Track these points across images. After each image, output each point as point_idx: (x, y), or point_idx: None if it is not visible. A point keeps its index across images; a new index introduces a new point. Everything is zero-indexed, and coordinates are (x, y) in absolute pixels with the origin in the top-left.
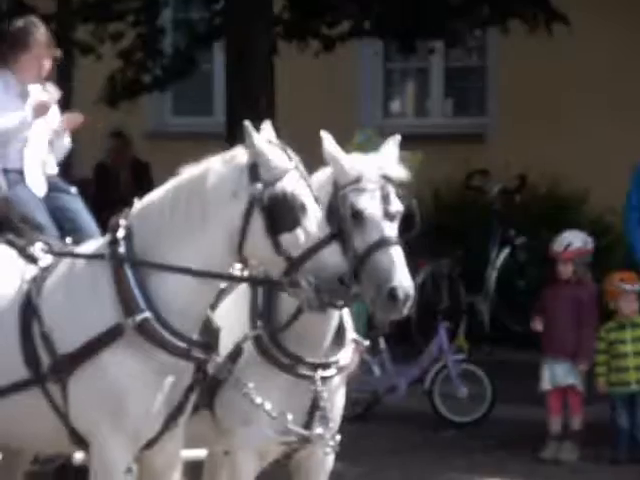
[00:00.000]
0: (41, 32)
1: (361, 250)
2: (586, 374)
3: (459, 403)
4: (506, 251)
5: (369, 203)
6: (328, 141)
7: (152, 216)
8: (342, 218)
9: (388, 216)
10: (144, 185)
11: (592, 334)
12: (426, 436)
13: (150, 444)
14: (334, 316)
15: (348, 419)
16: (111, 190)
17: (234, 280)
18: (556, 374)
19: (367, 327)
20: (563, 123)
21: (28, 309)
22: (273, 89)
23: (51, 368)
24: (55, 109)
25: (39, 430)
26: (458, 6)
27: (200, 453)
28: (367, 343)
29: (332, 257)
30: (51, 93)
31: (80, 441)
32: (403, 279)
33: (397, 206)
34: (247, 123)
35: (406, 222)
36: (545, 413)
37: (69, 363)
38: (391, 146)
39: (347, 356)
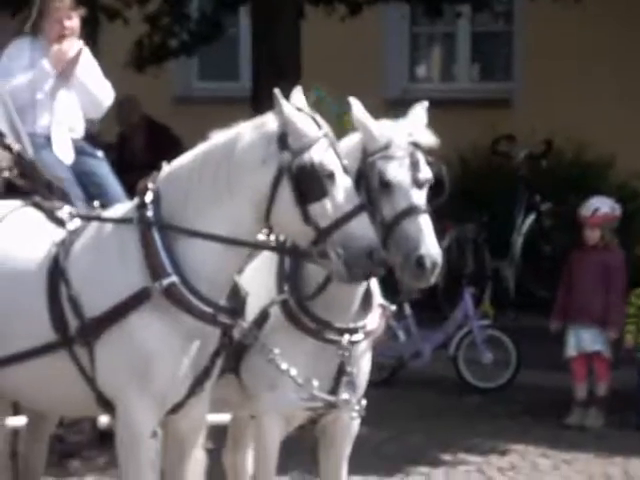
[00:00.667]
0: None
1: (389, 218)
2: (612, 340)
3: (484, 369)
4: (532, 217)
5: (397, 171)
6: (357, 107)
7: (180, 180)
8: (370, 185)
9: (417, 184)
10: (163, 148)
11: (620, 301)
12: (451, 401)
13: (176, 408)
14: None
15: (373, 384)
16: (127, 155)
17: (262, 248)
18: (582, 340)
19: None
20: (589, 88)
21: (56, 272)
22: (299, 53)
23: (78, 331)
24: (87, 62)
25: (66, 394)
26: None
27: (224, 418)
28: (393, 308)
29: (361, 229)
30: (73, 44)
31: (106, 405)
32: (431, 247)
33: (426, 173)
34: (276, 90)
35: (435, 188)
36: (570, 379)
37: (96, 327)
38: (419, 112)
39: (374, 321)
